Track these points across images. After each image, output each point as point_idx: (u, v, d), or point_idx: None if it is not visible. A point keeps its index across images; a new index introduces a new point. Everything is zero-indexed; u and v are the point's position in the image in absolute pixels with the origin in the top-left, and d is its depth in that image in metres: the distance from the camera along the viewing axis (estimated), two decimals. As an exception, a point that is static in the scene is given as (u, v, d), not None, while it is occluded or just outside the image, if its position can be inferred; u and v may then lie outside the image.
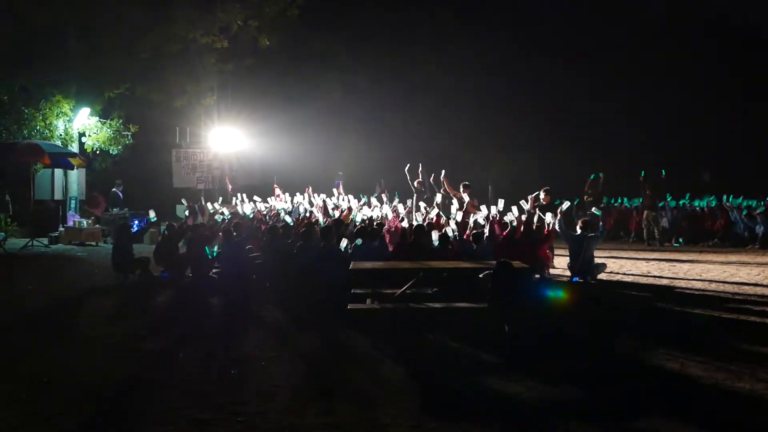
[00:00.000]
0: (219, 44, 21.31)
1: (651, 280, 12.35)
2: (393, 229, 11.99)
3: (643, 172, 19.86)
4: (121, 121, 20.63)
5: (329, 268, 10.11)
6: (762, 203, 19.70)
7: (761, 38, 25.96)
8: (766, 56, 25.95)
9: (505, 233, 11.72)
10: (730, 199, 20.24)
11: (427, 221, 12.35)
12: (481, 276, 8.73)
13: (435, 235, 10.65)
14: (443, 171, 14.80)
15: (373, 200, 16.76)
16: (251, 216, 14.08)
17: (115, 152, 20.78)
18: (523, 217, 12.09)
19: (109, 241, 17.43)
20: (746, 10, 25.76)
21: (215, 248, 12.17)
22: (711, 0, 26.77)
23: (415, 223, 12.25)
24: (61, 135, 19.43)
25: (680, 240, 20.26)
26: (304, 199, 15.71)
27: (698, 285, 11.60)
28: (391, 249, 11.20)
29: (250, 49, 22.81)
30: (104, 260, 13.52)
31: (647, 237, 19.95)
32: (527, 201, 12.79)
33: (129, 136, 20.92)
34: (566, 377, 6.08)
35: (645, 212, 20.03)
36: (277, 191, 16.39)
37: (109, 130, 20.25)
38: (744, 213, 19.53)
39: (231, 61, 22.56)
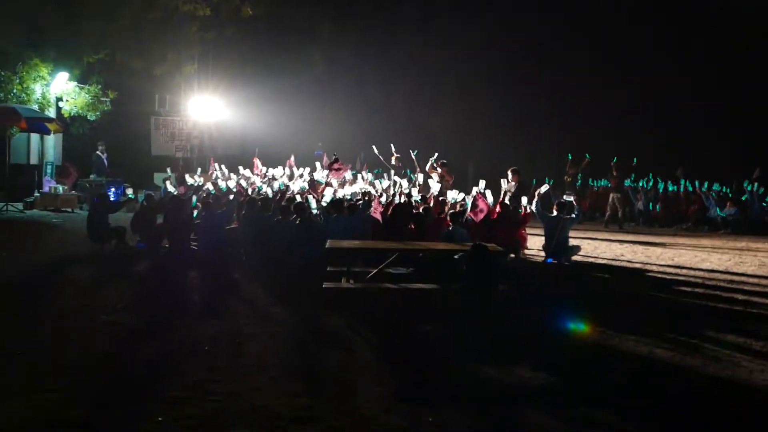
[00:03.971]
0: (201, 12, 21.03)
1: (624, 264, 12.51)
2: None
3: (615, 158, 20.16)
4: (99, 87, 20.38)
5: (306, 244, 10.14)
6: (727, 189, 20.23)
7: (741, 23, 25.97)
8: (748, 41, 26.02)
9: (482, 214, 11.81)
10: (705, 186, 20.50)
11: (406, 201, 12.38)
12: (456, 257, 8.84)
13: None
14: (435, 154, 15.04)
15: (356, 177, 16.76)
16: (234, 189, 13.98)
17: (93, 118, 20.55)
18: (506, 199, 12.22)
19: (85, 208, 17.33)
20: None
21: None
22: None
23: (398, 200, 12.28)
24: (38, 99, 19.17)
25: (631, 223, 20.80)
26: (283, 172, 15.65)
27: (670, 270, 11.77)
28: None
29: (233, 19, 22.56)
30: (80, 228, 13.44)
31: (617, 219, 20.02)
32: (508, 181, 12.95)
33: (107, 103, 20.69)
34: (539, 362, 6.16)
35: (611, 195, 20.18)
36: (257, 164, 16.33)
37: (87, 95, 20.01)
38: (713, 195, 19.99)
39: (213, 29, 22.29)
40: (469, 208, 11.81)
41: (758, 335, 7.26)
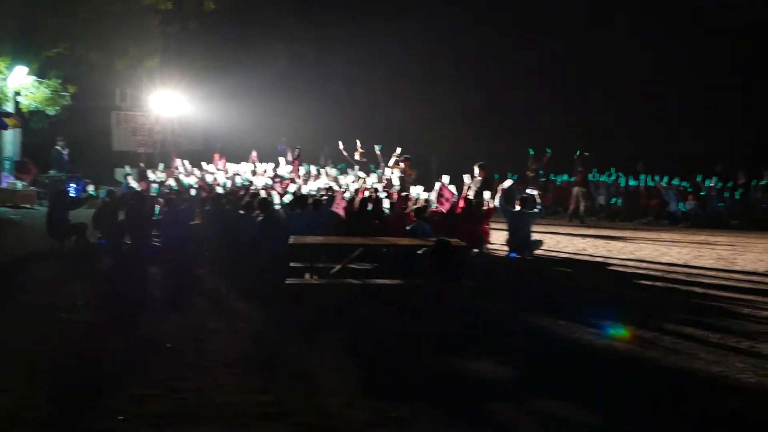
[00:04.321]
0: (163, 5, 20.80)
1: (586, 258, 12.66)
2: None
3: (578, 152, 20.43)
4: (59, 81, 20.02)
5: (271, 239, 10.10)
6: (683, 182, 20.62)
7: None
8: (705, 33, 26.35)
9: (448, 204, 11.83)
10: (665, 180, 20.87)
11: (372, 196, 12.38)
12: (419, 252, 8.87)
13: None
14: (398, 149, 15.03)
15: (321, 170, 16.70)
16: (196, 185, 13.87)
17: (53, 113, 20.19)
18: (470, 193, 12.28)
19: (45, 204, 17.06)
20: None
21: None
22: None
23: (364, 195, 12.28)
24: (-6, 93, 18.81)
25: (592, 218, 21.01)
26: (245, 169, 15.57)
27: (631, 264, 11.93)
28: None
29: (195, 12, 22.35)
30: (39, 224, 13.23)
31: (579, 214, 20.26)
32: (473, 176, 13.02)
33: (67, 97, 20.34)
34: (502, 357, 6.22)
35: (575, 189, 20.34)
36: (216, 160, 16.23)
37: (46, 90, 19.64)
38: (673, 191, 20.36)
39: (175, 23, 22.07)
40: (434, 202, 11.84)
41: (715, 328, 7.40)
